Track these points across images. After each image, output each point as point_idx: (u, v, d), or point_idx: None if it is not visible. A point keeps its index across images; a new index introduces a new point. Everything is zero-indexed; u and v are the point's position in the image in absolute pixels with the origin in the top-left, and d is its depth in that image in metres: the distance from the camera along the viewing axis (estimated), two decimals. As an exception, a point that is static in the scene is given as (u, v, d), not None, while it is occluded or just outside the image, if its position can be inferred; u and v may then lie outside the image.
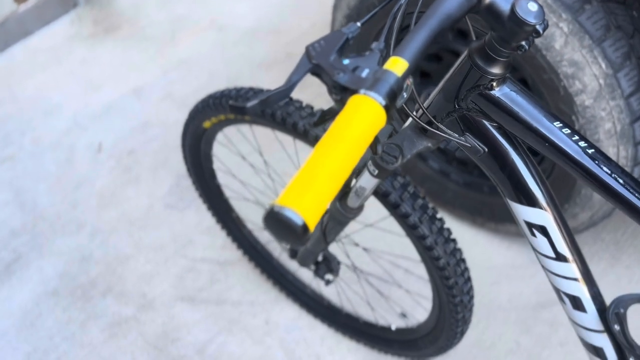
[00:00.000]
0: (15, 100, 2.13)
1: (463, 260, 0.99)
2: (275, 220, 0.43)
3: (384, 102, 0.48)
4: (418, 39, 0.54)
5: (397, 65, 0.51)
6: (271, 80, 2.09)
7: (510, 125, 0.70)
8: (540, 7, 0.60)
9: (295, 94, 0.91)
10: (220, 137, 1.45)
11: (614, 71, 1.04)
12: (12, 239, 1.75)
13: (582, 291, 0.79)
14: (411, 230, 0.95)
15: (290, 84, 0.55)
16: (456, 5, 0.57)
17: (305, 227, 0.43)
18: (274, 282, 1.53)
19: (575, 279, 0.78)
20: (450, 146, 0.81)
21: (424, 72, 1.49)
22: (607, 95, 1.06)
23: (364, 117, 0.47)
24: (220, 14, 2.36)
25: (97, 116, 2.05)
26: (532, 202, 0.75)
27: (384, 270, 1.53)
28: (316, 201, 0.44)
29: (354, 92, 0.50)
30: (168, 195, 1.80)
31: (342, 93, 0.52)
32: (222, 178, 1.50)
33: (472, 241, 1.62)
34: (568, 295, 0.80)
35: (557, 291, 0.82)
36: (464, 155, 1.55)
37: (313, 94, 1.78)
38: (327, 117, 0.61)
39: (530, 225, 0.76)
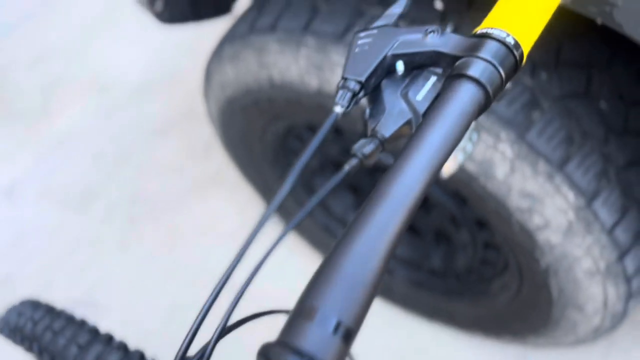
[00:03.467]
0: None
1: None
2: None
3: None
4: None
5: None
6: (168, 151, 1.71)
7: None
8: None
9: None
10: None
11: (586, 201, 0.71)
12: None
13: None
14: None
15: None
16: None
17: None
18: None
19: None
20: None
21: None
22: (581, 231, 0.73)
23: None
24: (102, 69, 1.95)
25: (-39, 233, 1.65)
26: None
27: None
28: None
29: None
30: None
31: None
32: None
33: (432, 341, 1.30)
34: None
35: None
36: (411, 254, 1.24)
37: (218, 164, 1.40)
38: None
39: None
